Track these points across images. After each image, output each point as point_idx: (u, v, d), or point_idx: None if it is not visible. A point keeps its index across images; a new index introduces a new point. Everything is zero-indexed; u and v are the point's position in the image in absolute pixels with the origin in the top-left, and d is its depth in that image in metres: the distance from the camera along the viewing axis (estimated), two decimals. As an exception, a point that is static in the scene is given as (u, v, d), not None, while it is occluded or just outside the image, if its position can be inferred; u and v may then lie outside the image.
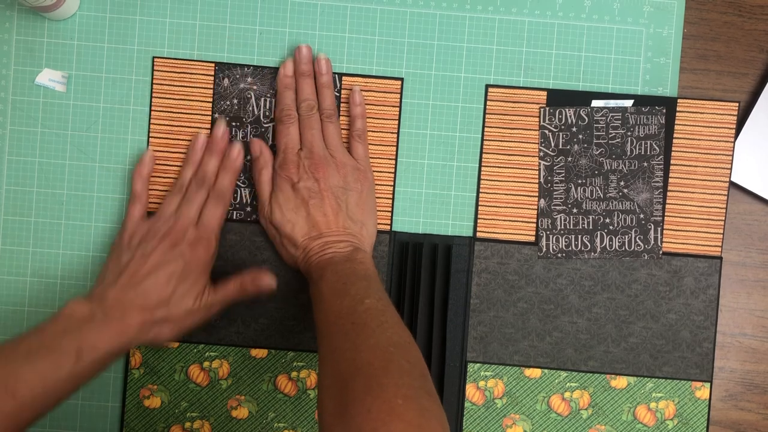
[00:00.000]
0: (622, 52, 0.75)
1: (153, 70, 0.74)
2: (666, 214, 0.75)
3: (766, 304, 0.77)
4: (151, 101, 0.74)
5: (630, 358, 0.75)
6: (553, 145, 0.75)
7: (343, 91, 0.74)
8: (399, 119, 0.75)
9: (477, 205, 0.75)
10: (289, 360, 0.75)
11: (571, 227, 0.75)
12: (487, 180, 0.75)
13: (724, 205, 0.75)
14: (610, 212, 0.75)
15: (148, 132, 0.74)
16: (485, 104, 0.75)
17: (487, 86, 0.75)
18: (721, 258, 0.75)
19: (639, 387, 0.75)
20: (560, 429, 0.75)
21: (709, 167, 0.75)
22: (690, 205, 0.75)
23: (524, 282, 0.75)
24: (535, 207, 0.75)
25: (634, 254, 0.75)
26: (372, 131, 0.75)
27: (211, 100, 0.74)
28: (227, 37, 0.74)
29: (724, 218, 0.75)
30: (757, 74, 0.76)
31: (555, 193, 0.75)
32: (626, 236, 0.75)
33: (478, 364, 0.75)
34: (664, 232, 0.75)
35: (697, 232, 0.75)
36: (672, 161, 0.75)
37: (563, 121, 0.75)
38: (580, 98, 0.75)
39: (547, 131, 0.75)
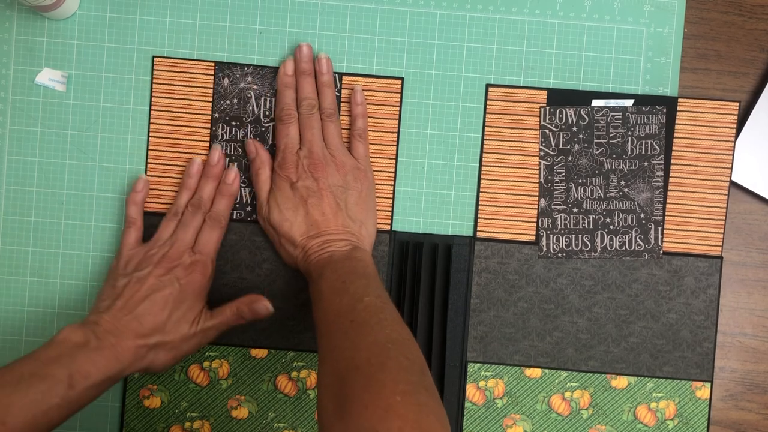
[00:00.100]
0: (622, 51, 0.75)
1: (153, 69, 0.74)
2: (666, 213, 0.75)
3: (766, 303, 0.77)
4: (151, 101, 0.74)
5: (630, 358, 0.75)
6: (553, 144, 0.75)
7: (343, 91, 0.74)
8: (399, 119, 0.75)
9: (477, 205, 0.75)
10: (289, 360, 0.74)
11: (572, 227, 0.75)
12: (487, 180, 0.75)
13: (725, 205, 0.75)
14: (611, 212, 0.75)
15: (148, 132, 0.74)
16: (485, 104, 0.75)
17: (488, 86, 0.75)
18: (721, 258, 0.75)
19: (639, 387, 0.75)
20: (561, 429, 0.75)
21: (710, 167, 0.75)
22: (690, 205, 0.75)
23: (524, 282, 0.75)
24: (536, 206, 0.75)
25: (634, 254, 0.75)
26: (372, 131, 0.75)
27: (211, 99, 0.74)
28: (227, 37, 0.74)
29: (724, 218, 0.75)
30: (758, 74, 0.76)
31: (555, 192, 0.75)
32: (627, 236, 0.75)
33: (478, 364, 0.75)
34: (665, 231, 0.75)
35: (697, 231, 0.75)
36: (672, 161, 0.75)
37: (564, 121, 0.75)
38: (581, 98, 0.75)
39: (547, 131, 0.75)
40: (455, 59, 0.75)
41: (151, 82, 0.74)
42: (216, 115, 0.74)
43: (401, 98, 0.75)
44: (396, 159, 0.75)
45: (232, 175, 0.72)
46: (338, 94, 0.74)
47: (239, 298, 0.70)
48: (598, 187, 0.75)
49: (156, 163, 0.74)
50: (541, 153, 0.75)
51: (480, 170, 0.75)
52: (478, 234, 0.75)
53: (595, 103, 0.75)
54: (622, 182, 0.75)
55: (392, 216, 0.75)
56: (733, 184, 0.76)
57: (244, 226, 0.74)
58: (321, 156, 0.70)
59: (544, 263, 0.75)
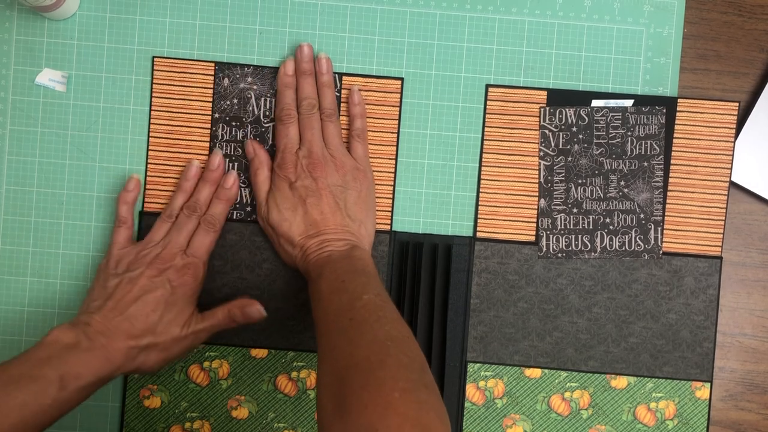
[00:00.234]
0: (622, 51, 0.75)
1: (153, 69, 0.74)
2: (666, 213, 0.75)
3: (766, 304, 0.77)
4: (151, 101, 0.74)
5: (630, 358, 0.75)
6: (553, 144, 0.75)
7: (343, 91, 0.74)
8: (399, 119, 0.75)
9: (477, 205, 0.75)
10: (289, 360, 0.74)
11: (572, 227, 0.75)
12: (487, 180, 0.75)
13: (725, 205, 0.75)
14: (611, 212, 0.75)
15: (148, 132, 0.74)
16: (485, 104, 0.75)
17: (488, 86, 0.75)
18: (721, 258, 0.75)
19: (639, 387, 0.75)
20: (560, 429, 0.75)
21: (710, 167, 0.75)
22: (690, 205, 0.75)
23: (524, 282, 0.75)
24: (536, 207, 0.75)
25: (634, 254, 0.75)
26: (372, 131, 0.75)
27: (211, 99, 0.74)
28: (227, 37, 0.74)
29: (724, 218, 0.75)
30: (758, 74, 0.76)
31: (555, 192, 0.75)
32: (626, 236, 0.75)
33: (478, 364, 0.75)
34: (665, 231, 0.75)
35: (697, 231, 0.75)
36: (672, 161, 0.75)
37: (563, 121, 0.75)
38: (580, 98, 0.75)
39: (547, 131, 0.75)
40: (455, 59, 0.75)
41: (151, 83, 0.74)
42: (216, 115, 0.74)
43: (401, 98, 0.75)
44: (396, 159, 0.75)
45: (230, 180, 0.72)
46: (338, 94, 0.74)
47: (232, 301, 0.70)
48: (597, 188, 0.75)
49: (156, 164, 0.74)
50: (541, 153, 0.75)
51: (480, 170, 0.75)
52: (478, 234, 0.75)
53: (595, 103, 0.75)
54: (622, 182, 0.75)
55: (392, 216, 0.75)
56: (733, 185, 0.76)
57: (244, 226, 0.74)
58: (320, 156, 0.70)
59: (544, 263, 0.75)
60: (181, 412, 0.74)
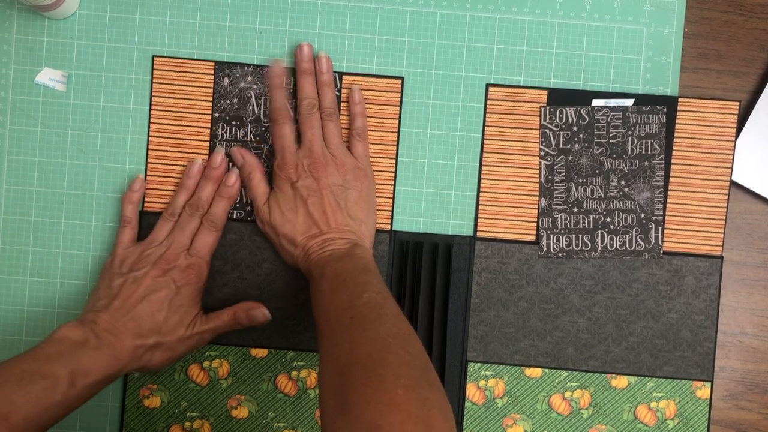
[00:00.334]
0: (622, 51, 0.75)
1: (153, 69, 0.74)
2: (667, 213, 0.75)
3: (766, 303, 0.77)
4: (151, 100, 0.74)
5: (631, 358, 0.75)
6: (553, 144, 0.75)
7: (343, 90, 0.74)
8: (399, 118, 0.75)
9: (477, 205, 0.75)
10: (289, 360, 0.74)
11: (572, 226, 0.75)
12: (487, 179, 0.75)
13: (725, 205, 0.75)
14: (611, 211, 0.75)
15: (148, 131, 0.74)
16: (486, 103, 0.75)
17: (488, 85, 0.75)
18: (721, 257, 0.75)
19: (640, 386, 0.75)
20: (561, 429, 0.75)
21: (710, 166, 0.75)
22: (691, 205, 0.75)
23: (525, 281, 0.75)
24: (536, 206, 0.75)
25: (634, 253, 0.75)
26: (372, 130, 0.75)
27: (211, 99, 0.74)
28: (227, 37, 0.74)
29: (724, 217, 0.75)
30: (758, 73, 0.76)
31: (555, 192, 0.75)
32: (627, 235, 0.75)
33: (478, 364, 0.75)
34: (665, 231, 0.75)
35: (697, 231, 0.75)
36: (673, 160, 0.75)
37: (564, 121, 0.75)
38: (581, 97, 0.75)
39: (547, 130, 0.75)
40: (455, 59, 0.75)
41: (151, 82, 0.74)
42: (216, 114, 0.74)
43: (401, 98, 0.75)
44: (396, 159, 0.75)
45: (233, 178, 0.72)
46: (338, 93, 0.74)
47: (238, 303, 0.71)
48: (598, 187, 0.75)
49: (156, 163, 0.74)
50: (542, 153, 0.75)
51: (480, 170, 0.75)
52: (479, 234, 0.75)
53: (596, 102, 0.75)
54: (623, 182, 0.75)
55: (392, 216, 0.75)
56: (734, 184, 0.76)
57: (244, 226, 0.74)
58: (321, 155, 0.70)
59: (544, 263, 0.75)
60: (181, 411, 0.74)
